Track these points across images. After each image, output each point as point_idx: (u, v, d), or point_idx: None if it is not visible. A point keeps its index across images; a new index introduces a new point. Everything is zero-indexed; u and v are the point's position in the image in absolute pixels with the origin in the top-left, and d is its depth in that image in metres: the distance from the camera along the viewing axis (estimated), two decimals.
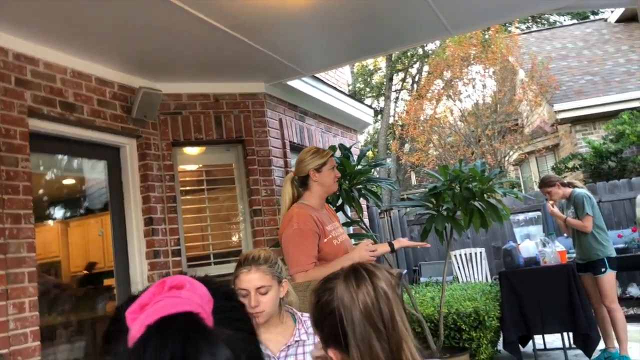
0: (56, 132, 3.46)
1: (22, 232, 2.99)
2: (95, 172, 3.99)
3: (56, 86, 3.38)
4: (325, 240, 2.59)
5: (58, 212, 4.39)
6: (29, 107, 3.17)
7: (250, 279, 1.82)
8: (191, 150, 4.49)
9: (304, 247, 2.52)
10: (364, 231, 4.58)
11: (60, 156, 3.84)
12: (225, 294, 0.67)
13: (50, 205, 4.15)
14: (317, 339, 1.21)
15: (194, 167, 4.55)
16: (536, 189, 11.30)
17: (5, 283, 2.84)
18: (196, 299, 0.58)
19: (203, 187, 4.42)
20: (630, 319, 5.66)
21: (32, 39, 3.22)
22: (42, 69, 3.31)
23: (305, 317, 1.95)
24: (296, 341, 1.87)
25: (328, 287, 1.16)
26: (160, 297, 0.57)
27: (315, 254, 2.54)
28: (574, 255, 4.91)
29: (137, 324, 0.55)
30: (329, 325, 1.11)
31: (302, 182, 2.75)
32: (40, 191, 3.80)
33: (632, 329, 5.32)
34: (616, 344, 4.55)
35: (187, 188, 4.38)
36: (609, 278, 4.45)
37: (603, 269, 4.45)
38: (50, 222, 4.39)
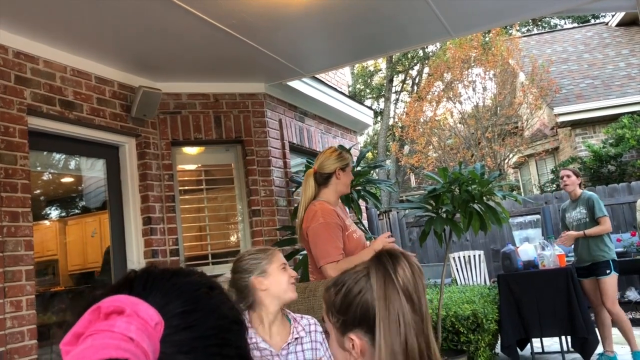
0: (55, 130, 3.45)
1: (20, 230, 2.99)
2: (94, 170, 3.99)
3: (56, 84, 3.37)
4: (347, 233, 2.70)
5: (56, 211, 4.38)
6: (29, 105, 3.17)
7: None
8: (190, 150, 4.48)
9: (332, 239, 2.61)
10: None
11: (59, 154, 3.83)
12: (189, 302, 0.57)
13: (48, 204, 4.14)
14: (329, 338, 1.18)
15: (193, 166, 4.55)
16: (535, 192, 11.32)
17: (2, 281, 2.84)
18: (132, 332, 0.49)
19: (202, 187, 4.42)
20: None
21: (33, 37, 3.21)
22: (42, 67, 3.31)
23: (299, 316, 2.04)
24: (295, 338, 1.95)
25: (356, 271, 1.14)
26: (95, 327, 0.49)
27: (342, 246, 2.64)
28: (573, 259, 4.92)
29: None
30: (357, 306, 1.08)
31: (323, 180, 2.83)
32: (39, 189, 3.80)
33: None
34: (614, 348, 4.57)
35: (186, 188, 4.38)
36: (612, 280, 4.49)
37: (608, 271, 4.49)
38: (48, 220, 4.38)
